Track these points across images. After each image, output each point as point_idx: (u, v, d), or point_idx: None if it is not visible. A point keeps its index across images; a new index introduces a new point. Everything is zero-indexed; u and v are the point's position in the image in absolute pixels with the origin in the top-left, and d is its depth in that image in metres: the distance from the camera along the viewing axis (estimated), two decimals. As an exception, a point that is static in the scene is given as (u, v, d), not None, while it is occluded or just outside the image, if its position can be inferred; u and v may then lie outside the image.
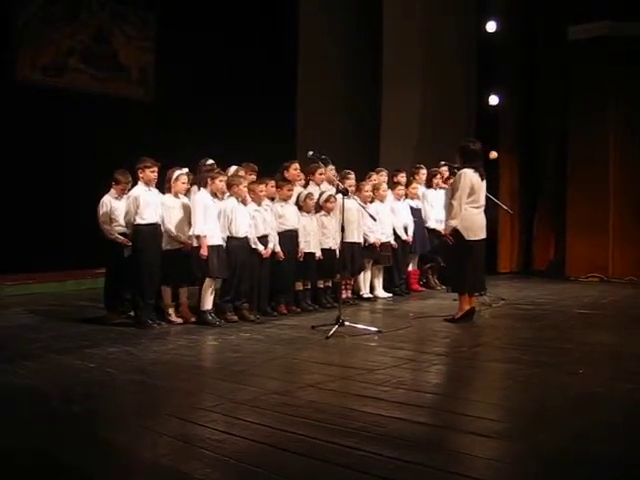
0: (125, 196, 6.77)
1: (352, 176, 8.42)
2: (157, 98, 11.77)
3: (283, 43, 13.14)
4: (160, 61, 11.76)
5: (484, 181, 6.90)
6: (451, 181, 7.26)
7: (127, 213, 6.58)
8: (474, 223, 6.79)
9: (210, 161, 7.34)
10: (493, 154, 12.29)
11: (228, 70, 12.10)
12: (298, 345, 5.79)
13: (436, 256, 9.34)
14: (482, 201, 6.91)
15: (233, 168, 7.58)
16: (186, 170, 6.91)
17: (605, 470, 3.01)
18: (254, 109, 12.12)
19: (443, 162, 8.92)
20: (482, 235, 6.90)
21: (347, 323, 6.35)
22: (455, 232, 6.74)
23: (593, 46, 11.01)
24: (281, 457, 3.13)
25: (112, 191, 6.99)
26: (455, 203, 6.71)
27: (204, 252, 6.54)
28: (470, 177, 6.75)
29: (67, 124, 10.23)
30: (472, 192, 6.76)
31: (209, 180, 6.73)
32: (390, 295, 8.95)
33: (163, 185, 6.94)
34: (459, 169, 6.93)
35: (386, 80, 12.38)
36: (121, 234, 6.81)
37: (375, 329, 6.36)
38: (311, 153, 7.01)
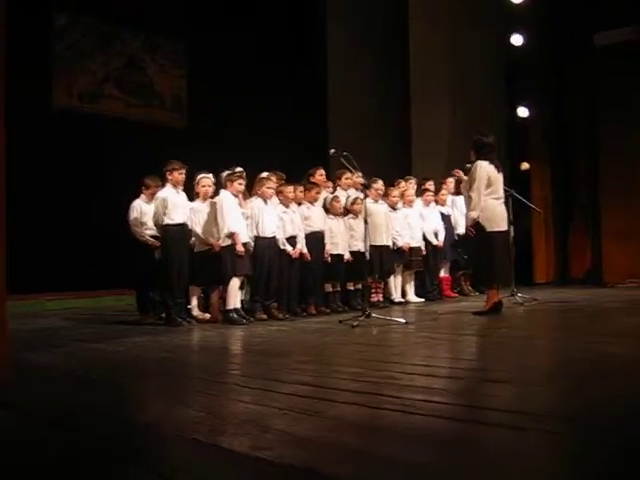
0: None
1: (380, 182, 8.48)
2: (191, 123, 12.09)
3: (312, 62, 13.41)
4: (193, 87, 12.12)
5: (501, 173, 6.90)
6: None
7: (155, 214, 6.76)
8: (495, 214, 6.78)
9: (239, 168, 7.52)
10: (525, 165, 12.35)
11: (259, 94, 12.35)
12: (324, 333, 5.85)
13: (459, 250, 9.30)
14: (501, 192, 6.91)
15: (264, 175, 7.74)
16: (205, 174, 7.10)
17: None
18: (287, 133, 12.35)
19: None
20: (504, 226, 6.90)
21: (374, 315, 6.40)
22: (476, 224, 6.75)
23: (620, 52, 11.01)
24: (310, 421, 2.83)
25: (142, 196, 7.21)
26: (474, 195, 6.72)
27: (240, 248, 6.68)
28: (485, 168, 6.76)
29: (103, 149, 10.51)
30: (490, 184, 6.76)
31: (228, 183, 6.91)
32: (422, 300, 8.95)
33: (191, 192, 7.15)
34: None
35: (414, 96, 12.51)
36: (152, 237, 7.00)
37: (402, 320, 6.37)
38: (333, 151, 7.09)
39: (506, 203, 7.18)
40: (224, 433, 2.55)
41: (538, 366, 4.00)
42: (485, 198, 6.73)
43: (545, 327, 6.01)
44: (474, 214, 6.73)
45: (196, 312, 7.04)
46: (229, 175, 7.04)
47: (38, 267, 9.63)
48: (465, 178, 7.31)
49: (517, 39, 12.14)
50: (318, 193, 7.73)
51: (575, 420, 2.58)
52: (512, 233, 7.84)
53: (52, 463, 2.29)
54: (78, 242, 10.08)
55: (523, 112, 12.30)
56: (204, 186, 7.01)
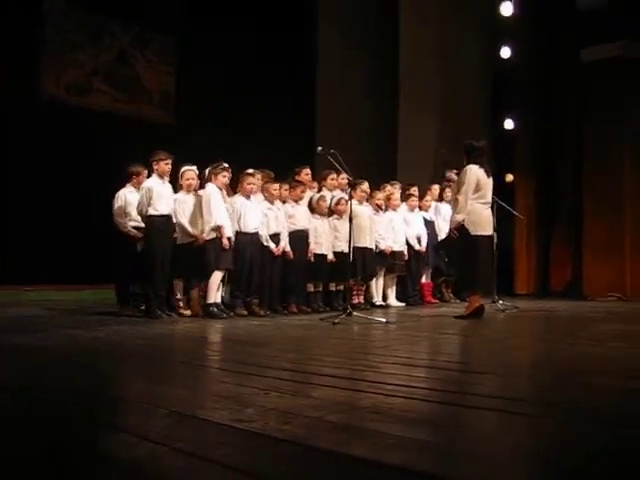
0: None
1: (365, 183, 8.48)
2: (179, 120, 12.04)
3: (302, 63, 13.43)
4: (181, 84, 12.09)
5: (490, 178, 6.92)
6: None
7: (139, 204, 6.68)
8: (481, 218, 6.78)
9: (224, 164, 7.49)
10: (509, 177, 12.43)
11: (248, 93, 12.32)
12: (305, 328, 5.84)
13: (440, 252, 9.31)
14: (489, 197, 6.92)
15: (249, 171, 7.71)
16: (189, 166, 7.06)
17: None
18: (274, 130, 12.32)
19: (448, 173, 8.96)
20: (489, 231, 6.92)
21: (355, 313, 6.39)
22: (461, 227, 6.75)
23: (608, 67, 11.12)
24: (292, 400, 2.82)
25: (128, 185, 7.17)
26: (461, 198, 6.72)
27: (226, 242, 6.66)
28: (475, 172, 6.77)
29: (89, 142, 10.42)
30: (478, 188, 6.77)
31: (212, 176, 6.89)
32: (403, 304, 8.94)
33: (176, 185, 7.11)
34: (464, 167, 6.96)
35: (403, 106, 12.56)
36: (135, 229, 6.94)
37: (383, 319, 6.36)
38: (320, 149, 7.05)
39: (491, 209, 7.21)
40: (203, 407, 2.52)
41: (519, 361, 4.01)
42: (472, 202, 6.72)
43: (525, 330, 6.05)
44: (459, 217, 6.73)
45: (183, 310, 6.96)
46: (213, 168, 7.01)
47: (19, 259, 9.53)
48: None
49: (505, 51, 12.27)
50: (303, 192, 7.72)
51: (561, 406, 2.58)
52: (495, 240, 7.86)
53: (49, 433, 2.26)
54: (61, 235, 9.96)
55: (509, 124, 12.41)
56: (187, 179, 6.97)
